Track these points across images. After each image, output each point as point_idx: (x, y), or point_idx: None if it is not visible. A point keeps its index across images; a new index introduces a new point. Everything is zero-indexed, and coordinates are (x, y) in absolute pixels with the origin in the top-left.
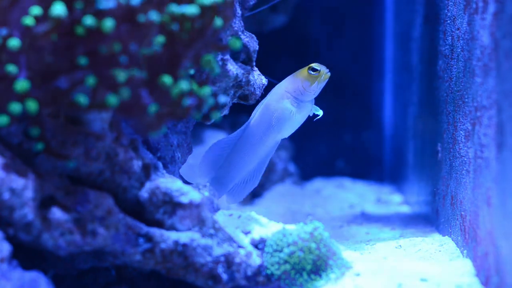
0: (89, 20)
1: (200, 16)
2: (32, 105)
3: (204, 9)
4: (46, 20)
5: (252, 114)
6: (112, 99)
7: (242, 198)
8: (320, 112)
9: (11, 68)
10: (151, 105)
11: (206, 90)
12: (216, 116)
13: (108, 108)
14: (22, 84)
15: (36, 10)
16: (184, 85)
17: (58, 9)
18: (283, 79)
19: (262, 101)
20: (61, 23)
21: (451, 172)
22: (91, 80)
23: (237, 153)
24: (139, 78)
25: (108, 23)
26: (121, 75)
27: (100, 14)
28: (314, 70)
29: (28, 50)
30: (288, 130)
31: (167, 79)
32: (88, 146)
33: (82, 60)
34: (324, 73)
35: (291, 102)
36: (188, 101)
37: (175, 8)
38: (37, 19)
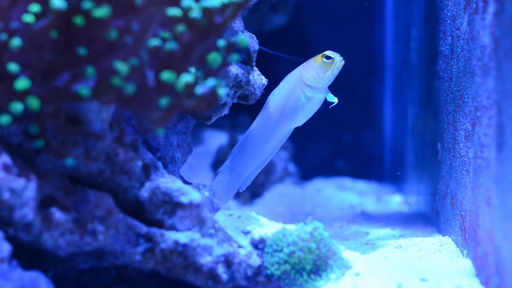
0: (87, 4)
1: (221, 10)
2: (34, 102)
3: (226, 4)
4: (46, 16)
5: (266, 102)
6: (117, 81)
7: (250, 183)
8: (335, 100)
9: (13, 68)
10: (163, 98)
11: (213, 82)
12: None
13: (113, 88)
14: (22, 83)
15: (35, 7)
16: (188, 77)
17: (57, 2)
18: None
19: (275, 89)
20: (60, 17)
21: (451, 172)
22: (90, 70)
23: (252, 142)
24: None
25: (105, 9)
26: (123, 68)
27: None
28: (328, 57)
29: (28, 48)
30: (302, 118)
31: (170, 75)
32: (88, 146)
33: (81, 51)
34: (339, 60)
35: (305, 90)
36: (200, 90)
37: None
38: (37, 16)
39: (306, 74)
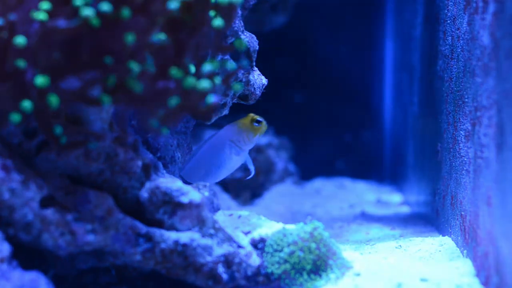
0: (105, 6)
1: (197, 2)
2: (54, 100)
3: None
4: (61, 15)
5: (194, 151)
6: (137, 86)
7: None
8: (252, 170)
9: (21, 64)
10: (172, 97)
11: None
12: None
13: (125, 88)
14: (41, 80)
15: (45, 5)
16: (206, 83)
17: (86, 10)
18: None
19: (203, 143)
20: (87, 23)
21: (451, 172)
22: (112, 79)
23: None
24: (151, 71)
25: (126, 12)
26: (136, 68)
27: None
28: (258, 122)
29: (37, 46)
30: (223, 176)
31: (175, 71)
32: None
33: (108, 60)
34: (264, 125)
35: (233, 151)
36: (212, 99)
37: None
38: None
39: (236, 136)
